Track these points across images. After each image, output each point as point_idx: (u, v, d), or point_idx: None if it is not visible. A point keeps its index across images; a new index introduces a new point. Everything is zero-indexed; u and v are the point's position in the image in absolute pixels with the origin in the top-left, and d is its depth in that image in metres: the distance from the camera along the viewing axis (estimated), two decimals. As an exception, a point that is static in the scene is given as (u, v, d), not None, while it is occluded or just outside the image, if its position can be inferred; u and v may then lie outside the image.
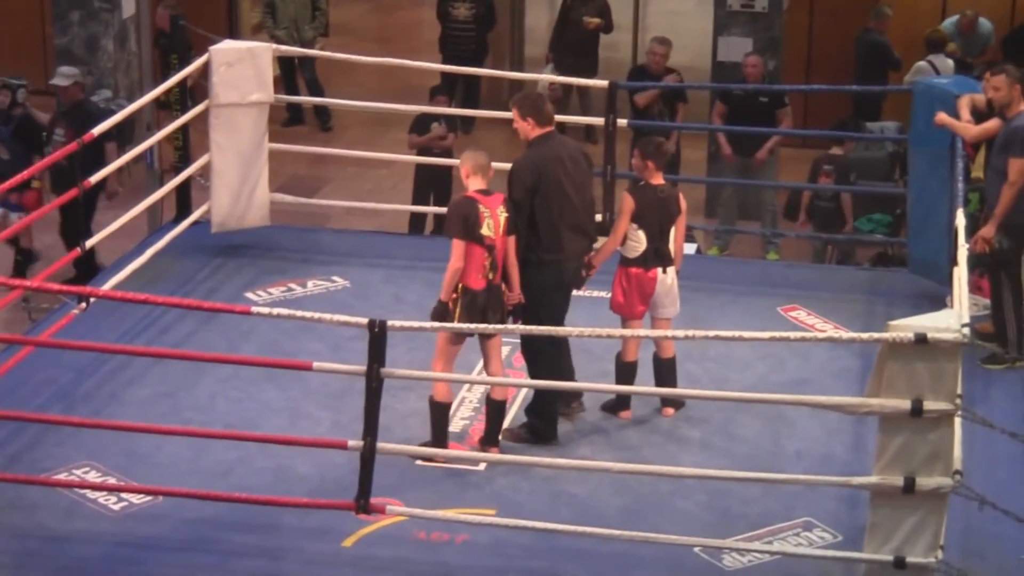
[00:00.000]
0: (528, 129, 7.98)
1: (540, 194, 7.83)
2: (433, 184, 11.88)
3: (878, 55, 13.68)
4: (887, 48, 13.69)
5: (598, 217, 10.67)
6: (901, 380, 6.43)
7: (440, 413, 7.74)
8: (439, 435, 7.73)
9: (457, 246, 7.59)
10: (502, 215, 7.68)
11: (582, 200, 8.01)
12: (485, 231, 7.59)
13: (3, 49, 16.01)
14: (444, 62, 14.45)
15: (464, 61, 13.93)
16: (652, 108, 12.46)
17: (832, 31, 14.66)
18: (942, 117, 9.12)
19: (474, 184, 7.74)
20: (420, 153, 11.86)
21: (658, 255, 8.18)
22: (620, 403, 8.27)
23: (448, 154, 11.85)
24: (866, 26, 13.92)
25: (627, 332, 8.10)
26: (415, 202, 12.03)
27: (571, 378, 8.02)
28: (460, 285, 7.61)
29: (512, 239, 7.78)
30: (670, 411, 8.28)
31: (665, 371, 8.26)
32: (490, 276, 7.65)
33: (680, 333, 7.41)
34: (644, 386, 8.19)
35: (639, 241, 8.15)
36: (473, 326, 7.42)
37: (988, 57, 13.59)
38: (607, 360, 8.39)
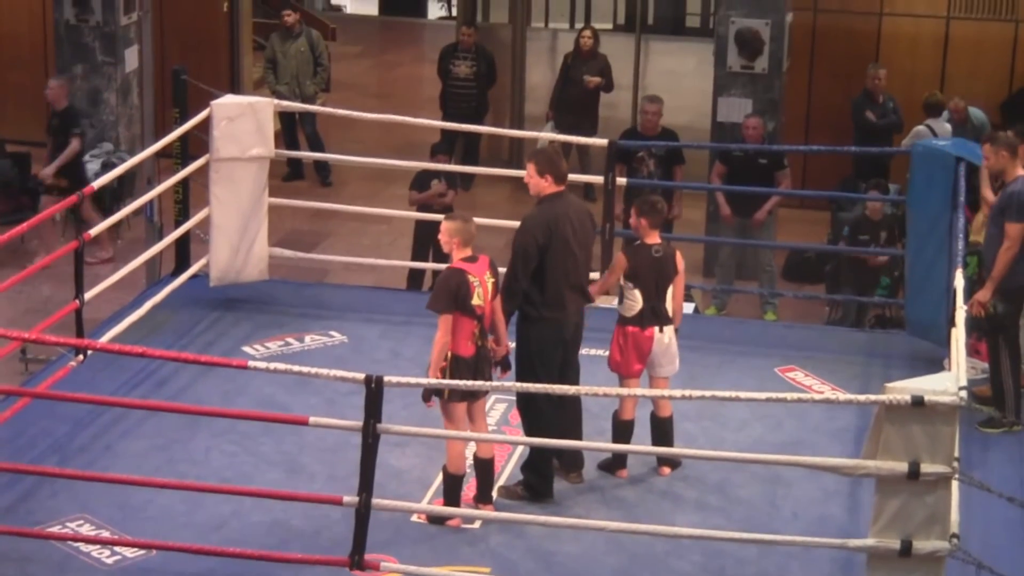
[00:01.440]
0: (544, 186, 7.98)
1: (549, 252, 7.84)
2: (432, 240, 11.83)
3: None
4: (858, 107, 13.68)
5: (596, 275, 10.76)
6: (898, 442, 6.42)
7: (454, 485, 7.71)
8: (451, 506, 7.70)
9: (444, 321, 7.54)
10: (489, 280, 7.66)
11: (585, 260, 8.04)
12: (476, 301, 7.57)
13: (6, 102, 16.08)
14: (445, 119, 14.49)
15: (465, 118, 13.97)
16: (643, 168, 12.45)
17: (832, 93, 14.73)
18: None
19: (460, 253, 7.70)
20: (420, 209, 11.88)
21: (655, 314, 8.18)
22: (617, 462, 8.25)
23: (448, 211, 11.86)
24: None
25: (623, 391, 8.10)
26: (414, 258, 12.04)
27: (573, 437, 7.98)
28: (450, 353, 7.58)
29: (498, 298, 7.78)
30: (667, 470, 8.26)
31: (662, 430, 8.24)
32: (479, 342, 7.64)
33: (677, 393, 7.41)
34: (640, 445, 8.18)
35: (635, 300, 8.16)
36: (470, 383, 7.39)
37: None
38: (604, 418, 8.38)
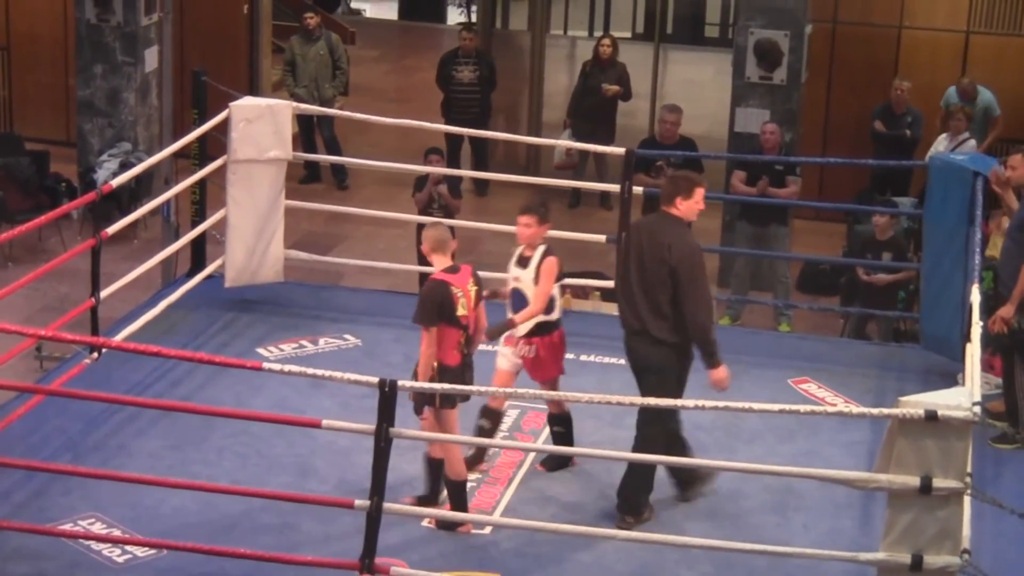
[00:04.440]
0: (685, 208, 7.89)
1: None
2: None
3: None
4: (873, 116, 13.77)
5: (611, 283, 10.75)
6: (911, 456, 6.41)
7: (458, 491, 7.67)
8: (458, 511, 7.67)
9: (429, 334, 7.51)
10: (472, 289, 7.63)
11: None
12: (460, 311, 7.54)
13: (27, 101, 16.14)
14: (449, 125, 14.45)
15: (470, 123, 13.96)
16: (661, 177, 12.43)
17: (850, 105, 14.73)
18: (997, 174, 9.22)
19: (439, 262, 7.67)
20: (424, 213, 11.84)
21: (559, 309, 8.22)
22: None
23: (450, 213, 11.81)
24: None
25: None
26: (421, 262, 12.01)
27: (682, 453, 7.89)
28: (436, 363, 7.54)
29: (481, 307, 7.71)
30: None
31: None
32: (465, 351, 7.60)
33: (690, 403, 7.41)
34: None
35: (557, 299, 8.15)
36: (485, 388, 7.40)
37: (996, 129, 13.65)
38: (616, 426, 8.38)
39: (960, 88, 13.84)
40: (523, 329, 8.04)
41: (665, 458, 7.68)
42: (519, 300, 8.03)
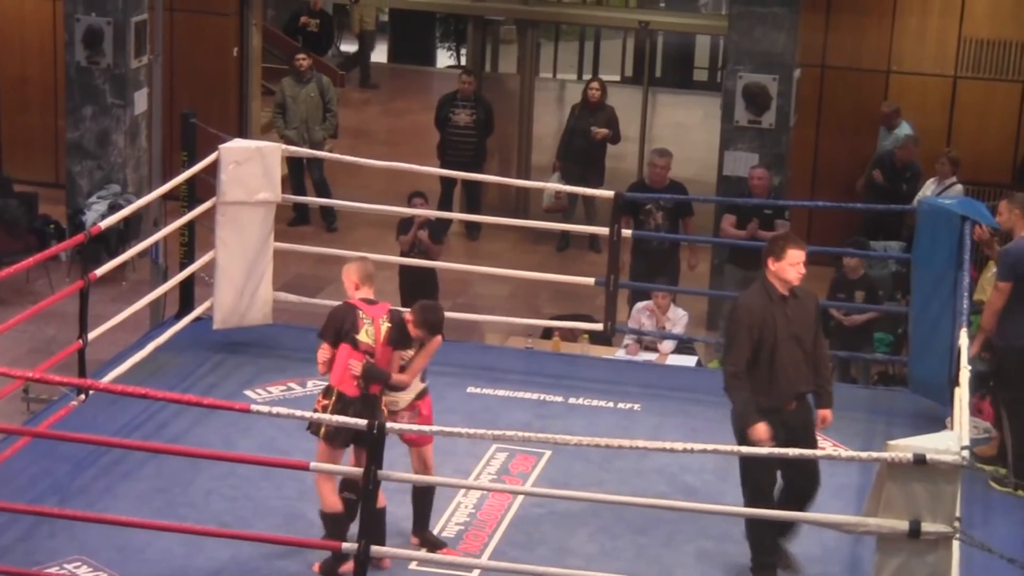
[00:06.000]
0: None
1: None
2: (423, 289, 11.70)
3: None
4: (873, 163, 13.91)
5: (599, 326, 10.76)
6: (899, 500, 6.41)
7: (335, 524, 7.44)
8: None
9: (323, 349, 7.53)
10: (384, 324, 7.57)
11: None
12: (363, 337, 7.49)
13: (16, 142, 16.15)
14: (444, 167, 14.50)
15: (464, 166, 13.96)
16: (650, 220, 12.44)
17: (838, 149, 14.78)
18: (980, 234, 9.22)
19: (360, 294, 7.67)
20: (407, 254, 11.84)
21: None
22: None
23: (428, 256, 11.78)
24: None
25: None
26: (404, 304, 12.00)
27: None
28: (336, 391, 7.50)
29: (420, 356, 7.63)
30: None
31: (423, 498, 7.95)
32: (362, 385, 7.53)
33: (679, 446, 7.39)
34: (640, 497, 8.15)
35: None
36: (459, 430, 7.37)
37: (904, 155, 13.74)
38: (604, 469, 8.35)
39: (881, 114, 14.01)
40: (404, 401, 7.79)
41: (638, 499, 7.66)
42: None
